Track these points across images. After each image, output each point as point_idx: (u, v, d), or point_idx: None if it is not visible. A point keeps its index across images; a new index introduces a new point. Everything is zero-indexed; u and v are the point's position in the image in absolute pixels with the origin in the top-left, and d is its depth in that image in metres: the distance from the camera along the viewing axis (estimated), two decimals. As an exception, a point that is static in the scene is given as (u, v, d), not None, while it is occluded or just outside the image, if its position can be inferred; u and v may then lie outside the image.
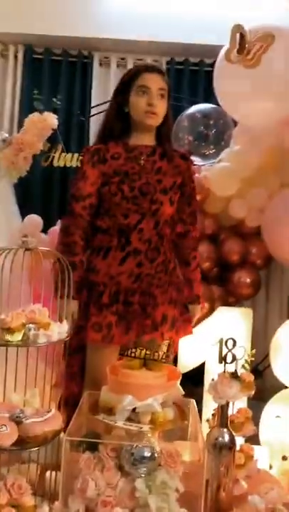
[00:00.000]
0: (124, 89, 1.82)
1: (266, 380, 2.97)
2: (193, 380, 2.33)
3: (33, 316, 1.26)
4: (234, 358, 1.32)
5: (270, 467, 2.09)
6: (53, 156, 3.00)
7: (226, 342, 1.32)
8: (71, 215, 1.82)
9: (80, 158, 1.89)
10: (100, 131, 1.91)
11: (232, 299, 2.80)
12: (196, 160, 2.74)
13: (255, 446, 1.60)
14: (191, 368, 2.18)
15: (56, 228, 2.92)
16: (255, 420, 1.92)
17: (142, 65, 1.93)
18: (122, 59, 3.53)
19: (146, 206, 1.77)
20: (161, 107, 1.80)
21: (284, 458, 2.13)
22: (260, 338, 3.10)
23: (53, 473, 1.37)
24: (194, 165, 2.14)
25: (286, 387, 2.28)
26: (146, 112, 1.77)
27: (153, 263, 1.77)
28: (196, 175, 2.62)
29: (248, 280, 2.75)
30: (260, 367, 2.92)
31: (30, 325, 1.23)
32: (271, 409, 2.23)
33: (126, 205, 1.77)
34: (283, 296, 3.16)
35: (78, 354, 1.81)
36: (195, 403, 1.55)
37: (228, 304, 2.75)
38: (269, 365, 2.48)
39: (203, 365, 2.17)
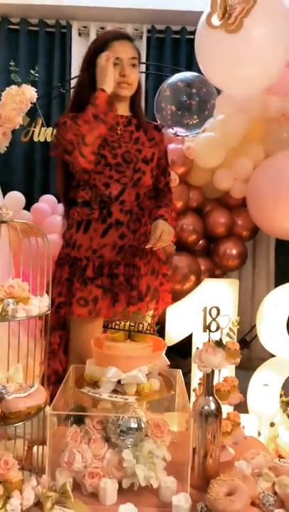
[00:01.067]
0: (94, 59, 1.75)
1: (253, 350, 3.01)
2: (182, 352, 2.34)
3: (12, 291, 1.23)
4: (218, 327, 1.30)
5: (259, 434, 2.12)
6: (33, 131, 2.92)
7: (210, 310, 1.30)
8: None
9: (55, 133, 1.82)
10: (72, 103, 1.85)
11: (218, 271, 2.80)
12: (179, 131, 2.68)
13: (243, 415, 1.61)
14: (179, 341, 2.18)
15: (39, 205, 2.88)
16: (243, 390, 1.94)
17: (109, 34, 1.86)
18: (102, 28, 3.43)
19: (130, 175, 1.75)
20: (133, 77, 1.77)
21: (272, 424, 2.16)
22: (247, 309, 3.13)
23: (40, 448, 1.36)
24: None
25: (273, 356, 2.30)
26: (120, 83, 1.75)
27: (135, 234, 1.76)
28: (180, 146, 2.58)
29: (235, 252, 2.75)
30: (247, 337, 2.95)
31: (9, 300, 1.20)
32: (259, 377, 2.25)
33: (108, 173, 1.74)
34: (270, 267, 3.17)
35: (57, 331, 1.81)
36: (181, 374, 1.55)
37: (215, 276, 2.75)
38: (256, 336, 2.49)
39: (191, 337, 2.16)
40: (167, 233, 1.74)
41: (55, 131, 1.93)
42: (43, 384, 1.35)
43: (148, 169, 1.79)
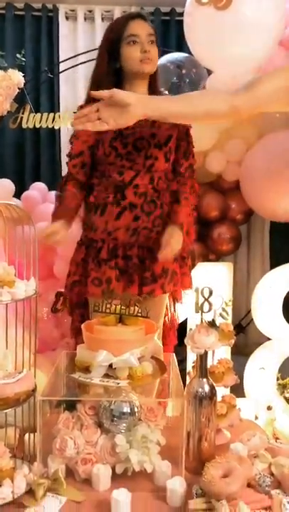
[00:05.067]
0: (113, 44, 1.76)
1: (249, 335, 2.99)
2: (177, 339, 2.32)
3: (-4, 275, 1.19)
4: (211, 307, 1.27)
5: (256, 418, 2.11)
6: (22, 117, 2.86)
7: (202, 291, 1.27)
8: (66, 173, 1.85)
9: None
10: (90, 89, 1.82)
11: (213, 255, 2.77)
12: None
13: (240, 399, 1.59)
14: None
15: (30, 193, 2.83)
16: (240, 376, 1.92)
17: (123, 16, 1.86)
18: (90, 11, 3.36)
19: (141, 162, 1.74)
20: (154, 53, 1.75)
21: (269, 408, 2.15)
22: (243, 295, 3.11)
23: (32, 435, 1.33)
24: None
25: (269, 340, 2.28)
26: (142, 60, 1.72)
27: (150, 216, 1.75)
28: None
29: (228, 236, 2.72)
30: (243, 322, 2.93)
31: (-6, 283, 1.16)
32: (255, 361, 2.23)
33: (120, 162, 1.74)
34: (264, 251, 3.14)
35: (79, 310, 1.88)
36: (175, 357, 1.52)
37: (209, 261, 2.72)
38: (252, 320, 2.47)
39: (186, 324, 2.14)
40: (176, 242, 1.71)
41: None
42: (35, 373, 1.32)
43: (161, 154, 1.76)
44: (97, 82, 1.80)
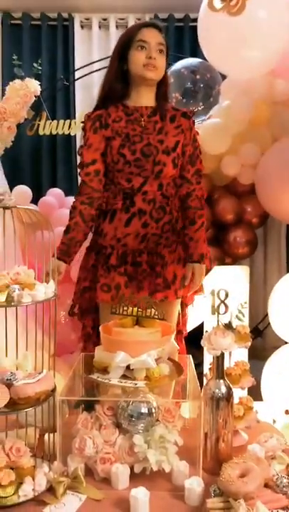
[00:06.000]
0: (123, 47, 1.80)
1: (267, 339, 2.98)
2: (195, 343, 2.32)
3: (17, 278, 1.22)
4: (227, 309, 1.28)
5: (274, 422, 2.10)
6: (38, 124, 2.93)
7: (218, 293, 1.28)
8: (80, 183, 1.87)
9: (82, 125, 1.88)
10: (100, 94, 1.88)
11: (229, 259, 2.77)
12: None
13: (257, 403, 1.59)
14: (192, 330, 2.16)
15: (46, 198, 2.88)
16: (257, 380, 1.91)
17: (139, 22, 1.92)
18: (104, 19, 3.41)
19: (150, 168, 1.75)
20: (160, 62, 1.77)
21: (287, 412, 2.14)
22: (260, 299, 3.10)
23: (52, 435, 1.35)
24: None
25: (286, 343, 2.27)
26: (146, 66, 1.74)
27: (159, 223, 1.77)
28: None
29: (244, 239, 2.72)
30: (260, 326, 2.92)
31: (14, 286, 1.19)
32: (272, 365, 2.23)
33: (128, 169, 1.75)
34: (281, 255, 3.13)
35: (90, 315, 1.89)
36: (192, 359, 1.53)
37: (225, 265, 2.72)
38: (269, 324, 2.46)
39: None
40: (199, 277, 1.86)
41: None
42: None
43: (169, 160, 1.76)
44: (107, 86, 1.84)
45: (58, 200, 2.87)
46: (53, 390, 1.28)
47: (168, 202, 1.78)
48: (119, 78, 1.81)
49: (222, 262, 2.73)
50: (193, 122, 1.88)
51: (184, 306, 1.97)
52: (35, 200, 2.81)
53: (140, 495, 1.14)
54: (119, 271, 1.75)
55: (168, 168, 1.76)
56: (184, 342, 1.97)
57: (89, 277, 1.84)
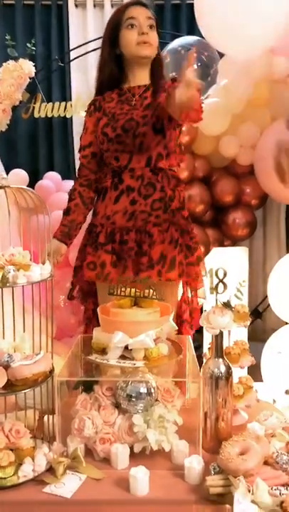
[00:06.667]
0: (112, 31, 1.76)
1: (266, 321, 2.98)
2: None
3: (12, 259, 1.21)
4: (225, 288, 1.27)
5: (274, 402, 2.10)
6: (33, 107, 2.88)
7: (217, 272, 1.27)
8: (78, 168, 1.90)
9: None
10: (96, 82, 1.87)
11: (228, 241, 2.75)
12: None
13: (257, 383, 1.58)
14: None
15: (43, 182, 2.85)
16: (257, 361, 1.90)
17: (124, 3, 1.84)
18: (99, -2, 3.33)
19: (130, 142, 1.70)
20: (153, 37, 1.73)
21: (287, 392, 2.14)
22: (259, 280, 3.09)
23: (51, 417, 1.35)
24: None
25: (286, 324, 2.27)
26: (139, 43, 1.71)
27: (147, 199, 1.71)
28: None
29: (244, 221, 2.69)
30: (260, 308, 2.91)
31: (10, 267, 1.18)
32: (272, 345, 2.22)
33: (113, 147, 1.73)
34: (281, 236, 3.10)
35: (90, 298, 1.89)
36: (191, 340, 1.53)
37: (225, 247, 2.70)
38: (269, 306, 2.45)
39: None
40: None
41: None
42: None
43: (149, 127, 1.69)
44: (101, 72, 1.82)
45: (55, 184, 2.84)
46: (51, 372, 1.27)
47: (158, 178, 1.72)
48: (113, 63, 1.78)
49: (221, 244, 2.71)
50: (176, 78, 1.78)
51: (191, 294, 1.84)
52: (32, 184, 2.78)
53: (140, 474, 1.14)
54: (105, 249, 1.73)
55: (148, 136, 1.69)
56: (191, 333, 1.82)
57: (80, 257, 1.85)
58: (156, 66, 1.83)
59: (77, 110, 2.91)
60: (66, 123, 3.24)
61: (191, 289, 1.84)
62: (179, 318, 1.79)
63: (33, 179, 2.84)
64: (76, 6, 3.31)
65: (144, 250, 1.70)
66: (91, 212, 1.89)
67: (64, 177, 2.93)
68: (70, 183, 2.80)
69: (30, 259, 1.30)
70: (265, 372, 2.29)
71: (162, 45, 2.82)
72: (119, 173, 1.73)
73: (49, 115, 2.90)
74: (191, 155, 2.63)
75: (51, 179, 2.87)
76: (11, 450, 1.24)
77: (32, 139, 3.30)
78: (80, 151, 1.87)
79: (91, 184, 1.85)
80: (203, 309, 1.93)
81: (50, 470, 1.22)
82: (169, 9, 3.27)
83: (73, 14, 3.29)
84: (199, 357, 1.52)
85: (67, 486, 1.16)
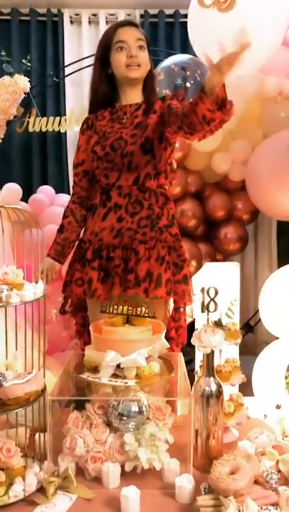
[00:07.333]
0: (103, 52, 1.78)
1: (258, 334, 3.00)
2: (186, 341, 2.32)
3: (5, 278, 1.22)
4: (216, 307, 1.29)
5: (265, 417, 2.11)
6: (28, 121, 2.91)
7: (208, 290, 1.28)
8: (72, 184, 1.93)
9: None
10: (89, 101, 1.89)
11: (220, 255, 2.78)
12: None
13: (248, 398, 1.59)
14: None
15: (37, 196, 2.86)
16: (249, 375, 1.91)
17: (114, 24, 1.86)
18: (94, 15, 3.38)
19: (119, 161, 1.72)
20: (142, 58, 1.74)
21: (278, 407, 2.14)
22: (251, 294, 3.11)
23: (42, 435, 1.35)
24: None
25: (277, 338, 2.28)
26: (128, 66, 1.73)
27: (134, 217, 1.71)
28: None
29: (235, 236, 2.72)
30: (251, 322, 2.93)
31: (3, 286, 1.19)
32: (263, 360, 2.23)
33: (102, 165, 1.75)
34: (272, 251, 3.14)
35: (80, 312, 1.90)
36: (182, 356, 1.54)
37: (216, 261, 2.73)
38: (260, 320, 2.47)
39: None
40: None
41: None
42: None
43: (137, 147, 1.70)
44: (94, 90, 1.84)
45: (48, 198, 2.85)
46: (43, 390, 1.28)
47: (145, 196, 1.73)
48: (105, 83, 1.80)
49: (213, 258, 2.73)
50: (170, 97, 1.80)
51: (178, 311, 1.82)
52: (25, 198, 2.79)
53: (131, 494, 1.14)
54: (92, 265, 1.74)
55: (136, 156, 1.70)
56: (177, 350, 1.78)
57: (70, 272, 1.86)
58: (149, 84, 1.84)
59: (71, 125, 2.95)
60: (60, 137, 3.27)
61: (178, 307, 1.82)
62: (165, 336, 1.78)
63: (27, 193, 2.85)
64: (71, 22, 3.37)
65: (130, 267, 1.70)
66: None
67: (58, 191, 2.95)
68: (63, 197, 2.83)
69: (24, 278, 1.31)
70: (256, 387, 2.29)
71: (156, 62, 2.87)
72: (108, 191, 1.75)
73: (43, 129, 2.93)
74: (183, 170, 2.66)
75: (45, 193, 2.89)
76: (2, 470, 1.23)
77: (26, 153, 3.32)
78: (73, 168, 1.91)
79: (83, 202, 1.88)
80: (195, 328, 1.94)
81: (41, 490, 1.22)
82: (162, 27, 3.32)
83: (68, 31, 3.34)
84: (191, 371, 1.53)
85: (58, 506, 1.16)
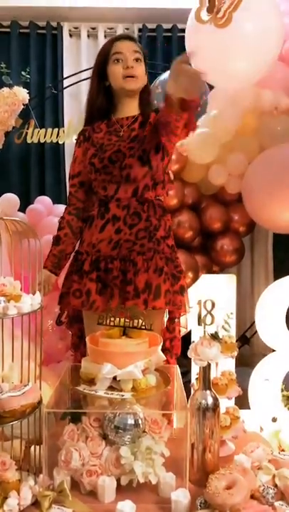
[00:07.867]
0: (101, 65, 1.81)
1: (254, 346, 3.00)
2: (183, 352, 2.32)
3: (3, 289, 1.22)
4: (213, 319, 1.29)
5: (261, 430, 2.10)
6: (26, 133, 2.93)
7: (205, 303, 1.29)
8: (68, 195, 1.94)
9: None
10: (86, 113, 1.91)
11: (216, 267, 2.78)
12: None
13: (244, 411, 1.59)
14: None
15: (34, 206, 2.87)
16: (245, 387, 1.91)
17: (111, 38, 1.90)
18: (93, 28, 3.42)
19: (118, 173, 1.73)
20: (139, 70, 1.77)
21: (274, 420, 2.14)
22: (247, 306, 3.12)
23: (38, 447, 1.34)
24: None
25: (273, 351, 2.28)
26: (125, 77, 1.75)
27: (132, 229, 1.73)
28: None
29: (231, 248, 2.73)
30: (247, 334, 2.93)
31: (0, 297, 1.19)
32: (259, 372, 2.23)
33: (100, 177, 1.76)
34: (268, 263, 3.15)
35: (76, 324, 1.89)
36: (178, 369, 1.53)
37: (213, 273, 2.73)
38: (256, 332, 2.47)
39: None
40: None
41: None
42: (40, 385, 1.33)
43: (135, 160, 1.72)
44: (90, 104, 1.87)
45: (46, 208, 2.86)
46: (39, 403, 1.27)
47: (144, 208, 1.75)
48: (102, 95, 1.83)
49: (210, 270, 2.74)
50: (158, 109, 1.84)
51: (173, 322, 1.87)
52: (23, 208, 2.80)
53: (126, 508, 1.13)
54: (90, 277, 1.74)
55: (135, 168, 1.72)
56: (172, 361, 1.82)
57: (67, 284, 1.85)
58: (145, 97, 1.87)
59: (70, 136, 2.97)
60: (58, 148, 3.29)
61: (173, 318, 1.85)
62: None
63: (25, 203, 2.86)
64: (70, 35, 3.41)
65: (128, 279, 1.70)
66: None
67: (55, 201, 2.96)
68: (61, 207, 2.84)
69: (21, 289, 1.31)
70: (252, 399, 2.29)
71: (154, 76, 2.91)
72: (106, 203, 1.76)
73: (41, 141, 2.95)
74: (180, 182, 2.68)
75: (42, 203, 2.90)
76: (-3, 483, 1.22)
77: (24, 164, 3.34)
78: (69, 179, 1.92)
79: (79, 213, 1.88)
80: (191, 340, 1.95)
81: (36, 504, 1.21)
82: (160, 41, 3.37)
83: (67, 44, 3.38)
84: (187, 383, 1.52)
85: (53, 521, 1.15)
